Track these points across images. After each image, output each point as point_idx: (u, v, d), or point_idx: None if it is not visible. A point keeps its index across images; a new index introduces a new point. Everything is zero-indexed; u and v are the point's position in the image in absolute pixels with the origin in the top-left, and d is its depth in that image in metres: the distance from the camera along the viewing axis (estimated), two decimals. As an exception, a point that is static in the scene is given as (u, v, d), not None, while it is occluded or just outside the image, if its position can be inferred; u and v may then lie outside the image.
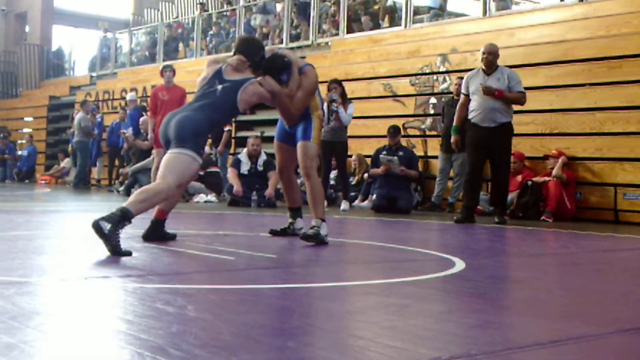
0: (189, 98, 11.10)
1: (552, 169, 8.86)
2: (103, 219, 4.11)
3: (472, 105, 7.87)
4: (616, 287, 3.84)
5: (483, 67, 7.93)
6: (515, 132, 8.17)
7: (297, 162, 5.45)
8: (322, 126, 5.43)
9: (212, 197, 11.17)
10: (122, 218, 4.17)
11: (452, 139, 8.39)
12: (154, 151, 12.18)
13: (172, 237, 5.19)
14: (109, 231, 4.09)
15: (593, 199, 8.87)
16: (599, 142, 8.80)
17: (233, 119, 5.36)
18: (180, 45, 18.52)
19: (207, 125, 4.83)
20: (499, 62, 8.04)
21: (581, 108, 9.04)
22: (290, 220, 5.72)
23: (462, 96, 8.13)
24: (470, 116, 7.89)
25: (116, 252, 4.08)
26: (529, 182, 9.02)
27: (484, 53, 7.94)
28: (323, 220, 5.17)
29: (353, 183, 10.95)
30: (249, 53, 5.10)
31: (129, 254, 4.13)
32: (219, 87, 4.95)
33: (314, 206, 5.25)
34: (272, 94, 5.09)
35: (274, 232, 5.69)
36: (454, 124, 8.31)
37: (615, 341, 2.45)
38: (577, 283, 4.08)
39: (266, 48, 5.34)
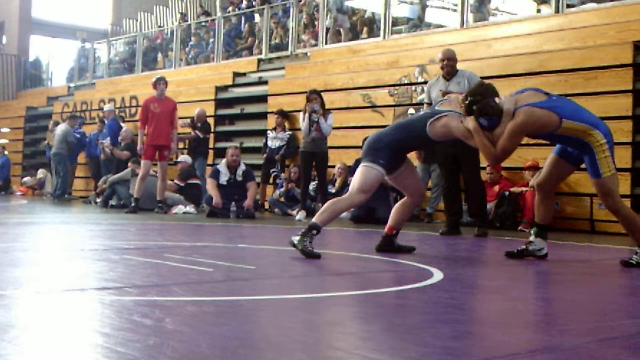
0: (181, 110, 11.27)
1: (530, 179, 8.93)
2: (295, 235, 5.08)
3: None
4: (592, 297, 3.88)
5: (443, 74, 7.83)
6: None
7: (562, 180, 5.41)
8: (608, 153, 4.88)
9: (190, 208, 11.13)
10: (309, 229, 5.04)
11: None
12: (130, 163, 12.17)
13: (409, 249, 5.56)
14: (298, 241, 5.00)
15: (569, 209, 8.94)
16: (576, 152, 8.88)
17: (426, 145, 5.64)
18: (159, 56, 18.48)
19: (387, 140, 5.24)
20: (478, 73, 8.05)
21: (557, 119, 9.11)
22: (531, 238, 5.34)
23: (425, 105, 7.97)
24: None
25: (306, 254, 4.95)
26: (506, 193, 9.09)
27: (442, 60, 7.81)
28: None
29: (333, 191, 10.97)
30: (471, 92, 5.13)
31: (317, 256, 4.94)
32: (422, 111, 5.36)
33: (632, 235, 5.06)
34: (469, 133, 5.07)
35: (510, 254, 5.37)
36: None
37: (591, 351, 2.48)
38: (554, 293, 4.11)
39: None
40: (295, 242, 5.01)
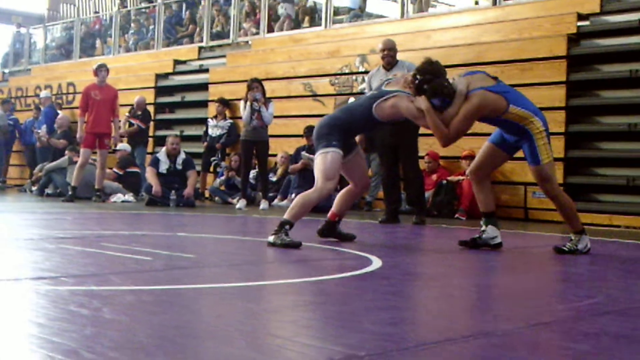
0: (120, 97, 11.10)
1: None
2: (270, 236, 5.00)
3: None
4: (525, 283, 3.98)
5: (383, 64, 7.90)
6: (431, 132, 8.26)
7: (496, 168, 5.30)
8: (546, 140, 4.96)
9: (129, 196, 10.99)
10: (282, 226, 4.97)
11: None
12: (67, 151, 11.95)
13: (349, 237, 5.56)
14: (274, 240, 4.93)
15: (504, 198, 9.14)
16: (511, 142, 9.06)
17: (370, 128, 5.44)
18: (98, 42, 18.13)
19: (333, 123, 5.21)
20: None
21: (494, 109, 9.28)
22: (482, 227, 5.28)
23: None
24: None
25: (285, 244, 4.89)
26: (444, 182, 9.25)
27: (383, 50, 7.87)
28: (581, 233, 5.10)
29: (274, 179, 10.98)
30: (419, 70, 5.01)
31: (298, 244, 4.91)
32: (370, 92, 5.32)
33: (568, 221, 5.16)
34: (420, 113, 4.97)
35: (463, 243, 5.31)
36: None
37: (523, 335, 2.54)
38: (489, 279, 4.21)
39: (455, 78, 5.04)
40: (272, 241, 4.95)
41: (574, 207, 5.18)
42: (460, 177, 9.19)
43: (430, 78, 4.94)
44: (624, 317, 2.93)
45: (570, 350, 2.35)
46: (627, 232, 7.61)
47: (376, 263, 4.27)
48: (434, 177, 9.45)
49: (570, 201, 5.17)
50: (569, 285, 4.04)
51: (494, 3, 10.52)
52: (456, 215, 8.94)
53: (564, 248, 5.12)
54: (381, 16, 12.82)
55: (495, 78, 5.12)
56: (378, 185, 9.80)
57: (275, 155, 11.06)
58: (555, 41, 9.13)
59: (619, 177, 8.62)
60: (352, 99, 10.89)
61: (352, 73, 11.14)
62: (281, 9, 13.75)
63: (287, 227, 5.00)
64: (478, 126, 9.26)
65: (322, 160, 5.12)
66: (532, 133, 4.94)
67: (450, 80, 4.99)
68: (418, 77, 4.99)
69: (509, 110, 4.91)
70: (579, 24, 9.33)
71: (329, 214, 5.63)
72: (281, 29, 13.57)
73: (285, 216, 5.07)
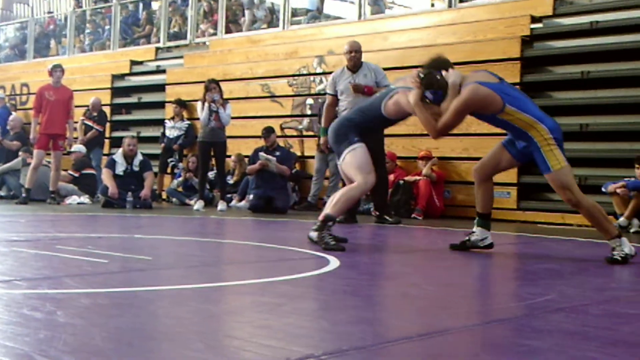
0: (75, 98, 10.95)
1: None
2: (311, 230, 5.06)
3: (343, 104, 7.76)
4: (481, 281, 4.04)
5: (348, 65, 7.92)
6: (387, 132, 8.32)
7: (499, 171, 5.19)
8: (554, 147, 4.69)
9: (85, 198, 10.85)
10: (325, 222, 4.97)
11: (322, 140, 8.34)
12: (21, 153, 11.76)
13: (343, 241, 5.42)
14: (317, 238, 4.95)
15: (460, 197, 9.24)
16: (466, 142, 9.18)
17: (385, 125, 5.28)
18: (52, 42, 17.87)
19: (349, 123, 5.21)
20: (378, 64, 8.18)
21: (450, 110, 9.39)
22: (473, 229, 5.18)
23: (329, 97, 8.01)
24: None
25: (329, 249, 4.81)
26: (401, 182, 9.33)
27: (350, 52, 7.88)
28: (619, 237, 4.71)
29: (231, 182, 10.95)
30: (424, 65, 4.96)
31: (340, 249, 4.84)
32: (384, 90, 5.35)
33: (599, 228, 4.81)
34: (411, 106, 4.91)
35: (453, 247, 5.22)
36: (322, 125, 8.10)
37: (479, 333, 2.58)
38: (445, 278, 4.25)
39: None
40: (315, 238, 4.93)
41: (602, 211, 4.82)
42: (417, 177, 9.28)
43: (428, 72, 4.88)
44: (576, 313, 2.99)
45: (524, 346, 2.38)
46: (580, 231, 7.76)
47: (334, 263, 4.29)
48: (392, 177, 9.50)
49: (596, 206, 4.82)
50: (524, 283, 4.10)
51: (450, 5, 10.64)
52: (413, 215, 9.02)
53: (616, 257, 4.67)
54: (339, 17, 12.87)
55: (500, 79, 4.94)
56: (336, 186, 9.83)
57: (231, 157, 11.04)
58: (509, 43, 9.27)
59: (572, 176, 8.77)
60: (310, 100, 10.94)
61: (310, 74, 11.17)
62: (259, 13, 13.68)
63: (330, 223, 4.98)
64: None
65: (353, 158, 5.09)
66: (536, 140, 4.73)
67: (444, 73, 4.88)
68: (421, 72, 4.92)
69: (505, 110, 4.72)
70: (532, 26, 9.49)
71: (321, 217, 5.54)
72: (237, 31, 13.50)
73: (329, 211, 5.02)
